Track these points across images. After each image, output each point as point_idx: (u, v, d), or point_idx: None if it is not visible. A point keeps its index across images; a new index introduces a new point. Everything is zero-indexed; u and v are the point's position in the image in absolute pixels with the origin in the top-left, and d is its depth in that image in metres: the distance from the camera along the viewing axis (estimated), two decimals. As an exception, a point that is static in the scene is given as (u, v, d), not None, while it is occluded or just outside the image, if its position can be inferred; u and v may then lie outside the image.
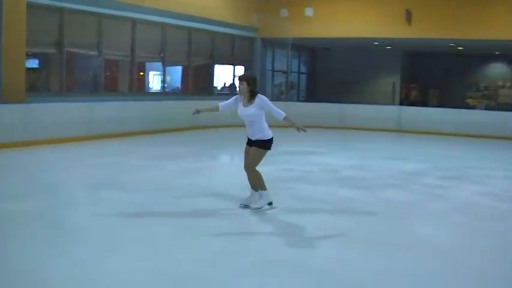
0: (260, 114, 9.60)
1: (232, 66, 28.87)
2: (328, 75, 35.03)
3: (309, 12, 27.41)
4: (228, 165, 16.86)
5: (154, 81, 25.99)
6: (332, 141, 21.51)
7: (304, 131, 9.76)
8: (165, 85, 25.08)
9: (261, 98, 9.63)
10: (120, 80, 23.51)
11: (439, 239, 8.55)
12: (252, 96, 9.62)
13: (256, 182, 9.72)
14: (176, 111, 22.33)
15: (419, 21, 26.46)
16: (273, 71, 31.84)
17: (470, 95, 36.49)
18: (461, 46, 31.51)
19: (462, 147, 21.37)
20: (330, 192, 11.85)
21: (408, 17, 26.54)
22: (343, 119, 26.14)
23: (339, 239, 8.40)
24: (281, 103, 27.16)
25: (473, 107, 33.48)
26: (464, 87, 36.58)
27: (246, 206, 9.78)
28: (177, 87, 26.94)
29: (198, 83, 27.09)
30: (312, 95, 35.22)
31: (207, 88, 27.27)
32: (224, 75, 29.33)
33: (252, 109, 9.56)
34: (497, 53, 34.94)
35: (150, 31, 23.19)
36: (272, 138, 9.66)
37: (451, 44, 30.36)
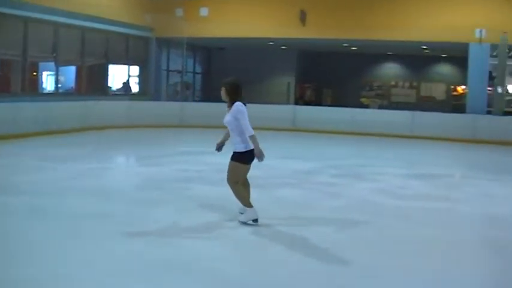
0: (236, 123, 8.91)
1: (127, 66, 28.61)
2: (224, 75, 34.86)
3: (204, 12, 27.39)
4: (123, 167, 16.67)
5: (48, 82, 25.47)
6: (227, 141, 21.45)
7: (259, 160, 8.89)
8: (59, 85, 24.62)
9: (236, 106, 8.90)
10: (12, 80, 22.91)
11: (333, 236, 8.65)
12: (232, 102, 8.99)
13: (236, 198, 9.21)
14: (70, 112, 22.00)
15: (314, 22, 26.80)
16: (168, 70, 31.68)
17: (363, 94, 37.18)
18: (354, 46, 32.06)
19: (356, 145, 21.68)
20: (224, 191, 11.77)
21: (302, 17, 26.82)
22: (239, 119, 26.06)
23: (231, 238, 8.42)
24: (176, 103, 27.16)
25: (366, 106, 34.05)
26: (358, 86, 37.27)
27: (255, 221, 9.11)
28: (71, 87, 26.48)
29: (92, 83, 26.77)
30: (207, 95, 35.15)
31: (101, 88, 26.93)
32: (119, 75, 29.01)
33: (228, 116, 9.02)
34: (389, 53, 35.70)
35: (43, 30, 22.76)
36: (247, 152, 8.94)
37: (345, 45, 30.87)
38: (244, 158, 8.97)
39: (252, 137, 8.78)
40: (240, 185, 9.19)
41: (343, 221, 9.69)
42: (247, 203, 9.07)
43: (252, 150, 8.87)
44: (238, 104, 8.90)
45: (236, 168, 9.08)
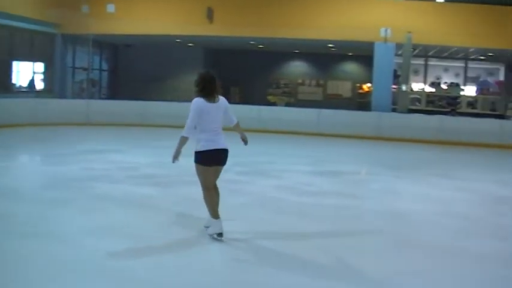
0: (200, 118, 8.23)
1: (31, 63, 28.13)
2: (131, 72, 34.81)
3: (110, 8, 27.06)
4: (28, 165, 16.34)
5: None
6: (132, 139, 21.35)
7: (176, 160, 8.38)
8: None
9: (193, 100, 8.28)
10: None
11: (236, 233, 8.67)
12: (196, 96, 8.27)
13: (205, 204, 8.50)
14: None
15: (221, 19, 26.83)
16: (74, 68, 31.22)
17: (270, 92, 37.31)
18: (261, 44, 32.18)
19: (262, 143, 21.74)
20: (129, 190, 11.74)
21: (209, 15, 26.80)
22: (145, 116, 25.85)
23: (137, 237, 8.36)
24: (82, 101, 26.80)
25: (273, 104, 34.21)
26: (265, 84, 37.37)
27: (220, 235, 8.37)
28: (-27, 85, 25.91)
29: (-5, 79, 26.23)
30: (114, 93, 34.88)
31: (4, 85, 26.36)
32: (24, 71, 28.46)
33: None
34: (296, 51, 35.94)
35: None
36: (202, 153, 8.24)
37: (252, 42, 30.96)
38: (199, 158, 8.28)
39: (180, 138, 8.27)
40: (211, 191, 8.50)
41: (246, 218, 9.75)
42: (213, 214, 8.35)
43: (211, 151, 8.26)
44: (194, 99, 8.27)
45: (197, 170, 8.42)
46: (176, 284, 6.63)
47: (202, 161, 8.25)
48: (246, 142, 9.04)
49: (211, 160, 8.32)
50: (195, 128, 8.26)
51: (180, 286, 6.60)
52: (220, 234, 8.20)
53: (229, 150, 8.53)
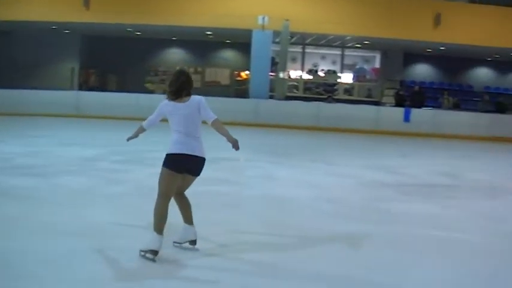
0: (169, 120, 7.52)
1: None
2: (6, 60, 33.90)
3: (-12, -6, 26.39)
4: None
5: None
6: (6, 129, 20.80)
7: (129, 139, 8.22)
8: None
9: None
10: None
11: (113, 224, 8.60)
12: None
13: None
14: None
15: (98, 6, 26.49)
16: None
17: (148, 79, 37.04)
18: (139, 31, 31.92)
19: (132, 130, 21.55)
20: (3, 181, 11.42)
21: (86, 1, 26.41)
22: (19, 105, 25.26)
23: (21, 229, 8.08)
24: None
25: (152, 92, 33.98)
26: (143, 71, 37.03)
27: (192, 243, 7.66)
28: None
29: None
30: (-12, 81, 33.95)
31: None
32: None
33: None
34: (174, 38, 35.80)
35: None
36: (167, 155, 7.25)
37: (129, 29, 30.69)
38: (165, 160, 7.27)
39: (140, 126, 8.07)
40: (166, 202, 7.35)
41: (121, 206, 9.67)
42: (156, 226, 7.16)
43: (178, 155, 7.20)
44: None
45: (160, 174, 7.29)
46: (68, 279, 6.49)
47: (166, 164, 7.20)
48: (236, 147, 7.81)
49: (178, 164, 7.26)
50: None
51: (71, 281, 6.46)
52: (155, 253, 7.02)
53: (205, 158, 7.56)
